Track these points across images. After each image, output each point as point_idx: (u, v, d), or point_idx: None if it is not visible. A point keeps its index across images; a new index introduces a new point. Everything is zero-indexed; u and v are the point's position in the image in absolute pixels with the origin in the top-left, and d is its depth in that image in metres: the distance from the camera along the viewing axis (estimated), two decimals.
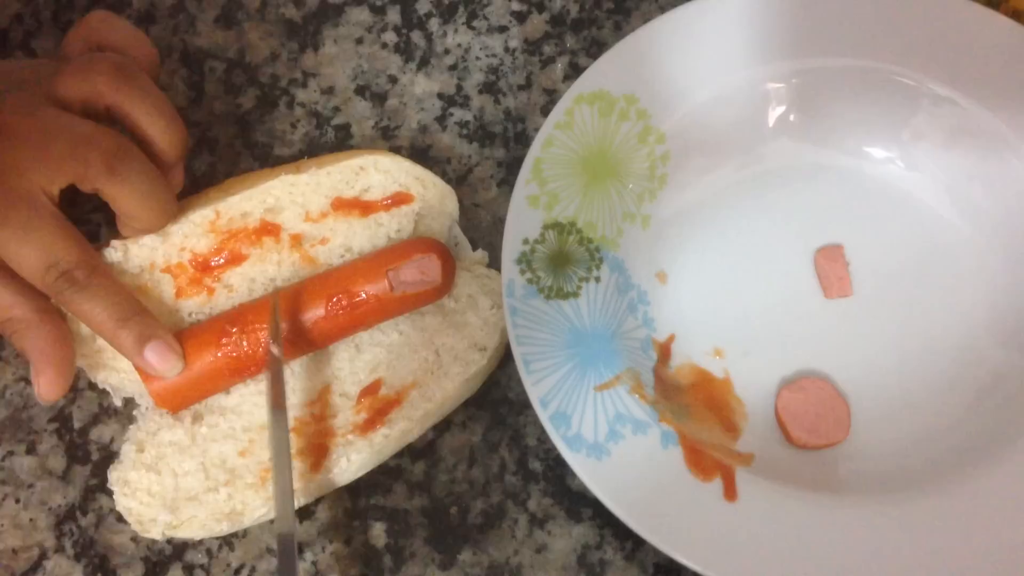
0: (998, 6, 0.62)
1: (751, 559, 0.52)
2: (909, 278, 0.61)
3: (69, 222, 0.56)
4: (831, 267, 0.61)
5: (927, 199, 0.62)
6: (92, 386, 0.63)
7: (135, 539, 0.60)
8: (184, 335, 0.59)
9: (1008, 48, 0.60)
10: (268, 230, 0.60)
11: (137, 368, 0.58)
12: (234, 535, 0.60)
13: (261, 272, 0.61)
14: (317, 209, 0.60)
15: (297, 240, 0.61)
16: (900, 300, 0.60)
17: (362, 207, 0.61)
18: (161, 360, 0.57)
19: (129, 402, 0.62)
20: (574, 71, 0.70)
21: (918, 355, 0.59)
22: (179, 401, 0.59)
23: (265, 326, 0.58)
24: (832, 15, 0.62)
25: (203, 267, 0.60)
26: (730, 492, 0.54)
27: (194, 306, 0.60)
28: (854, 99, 0.61)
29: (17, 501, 0.61)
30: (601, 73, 0.61)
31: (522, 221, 0.59)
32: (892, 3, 0.61)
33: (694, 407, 0.59)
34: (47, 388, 0.57)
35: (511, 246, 0.58)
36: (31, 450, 0.63)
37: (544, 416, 0.55)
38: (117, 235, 0.60)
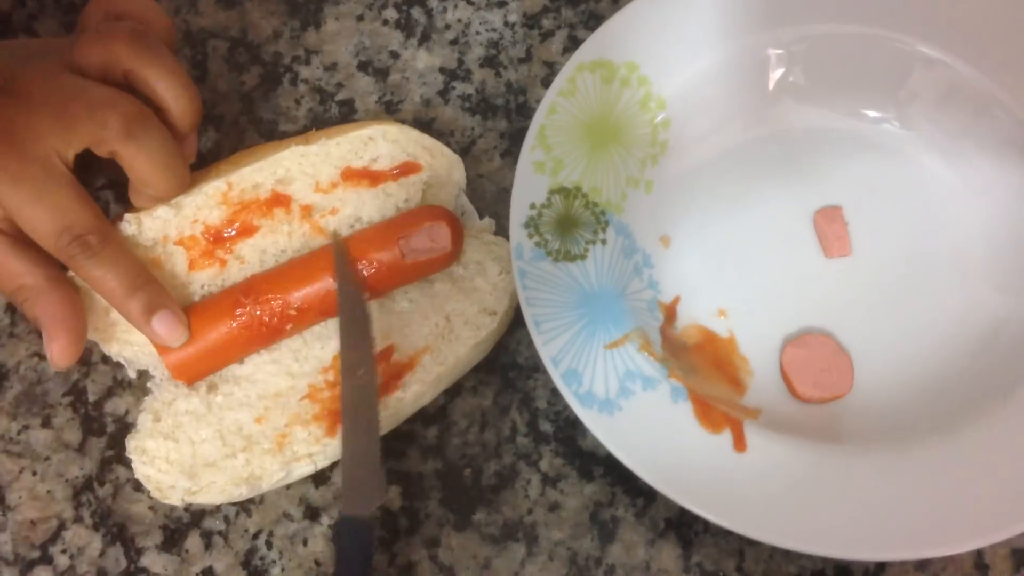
0: None
1: (762, 508, 0.54)
2: (906, 234, 0.62)
3: (83, 188, 0.57)
4: (830, 227, 0.62)
5: (922, 157, 0.63)
6: (106, 359, 0.64)
7: (153, 507, 0.61)
8: (197, 307, 0.60)
9: (996, 9, 0.61)
10: (279, 201, 0.61)
11: (152, 341, 0.59)
12: (251, 501, 0.61)
13: (272, 243, 0.61)
14: (327, 179, 0.61)
15: (307, 211, 0.62)
16: (898, 256, 0.62)
17: (371, 177, 0.62)
18: (168, 330, 0.58)
19: (143, 374, 0.63)
20: (573, 44, 0.71)
21: (918, 308, 0.61)
22: (195, 372, 0.60)
23: (278, 296, 0.59)
24: None
25: (215, 239, 0.61)
26: (740, 443, 0.55)
27: (206, 278, 0.61)
28: (850, 63, 0.63)
29: (34, 474, 0.62)
30: (602, 41, 0.63)
31: (529, 186, 0.60)
32: None
33: (700, 365, 0.60)
34: (59, 354, 0.57)
35: (519, 210, 0.59)
36: (47, 423, 0.63)
37: (556, 374, 0.56)
38: (128, 210, 0.61)
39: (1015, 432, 0.54)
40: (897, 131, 0.64)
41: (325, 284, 0.60)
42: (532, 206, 0.60)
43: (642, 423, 0.55)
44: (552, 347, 0.57)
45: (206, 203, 0.60)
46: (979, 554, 0.58)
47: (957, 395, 0.57)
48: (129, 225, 0.59)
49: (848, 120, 0.64)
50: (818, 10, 0.63)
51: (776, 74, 0.64)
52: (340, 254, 0.59)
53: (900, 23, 0.62)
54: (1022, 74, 0.60)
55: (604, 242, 0.60)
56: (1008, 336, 0.58)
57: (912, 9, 0.62)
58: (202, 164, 0.68)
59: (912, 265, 0.62)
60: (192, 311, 0.59)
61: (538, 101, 0.70)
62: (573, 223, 0.60)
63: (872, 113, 0.64)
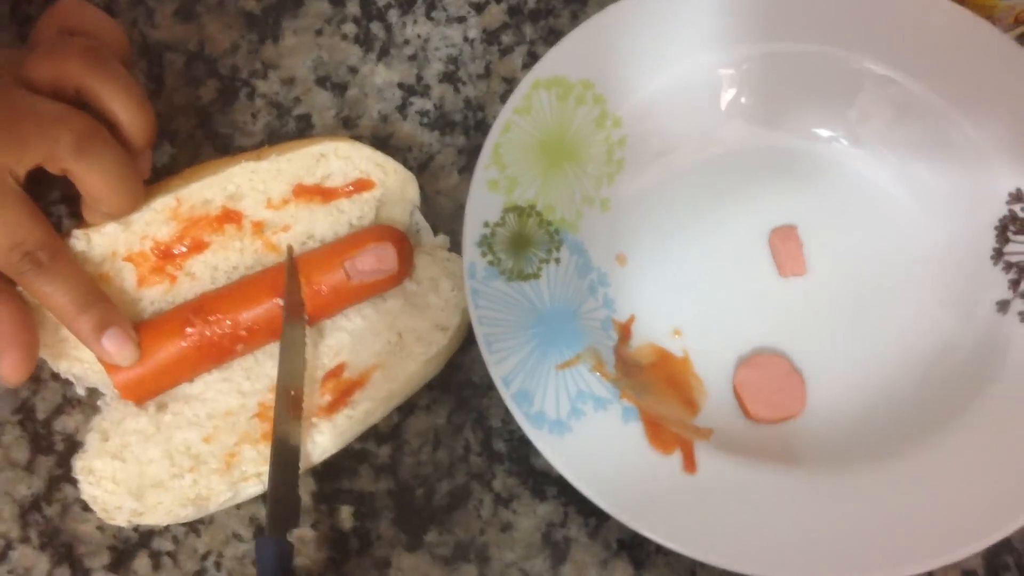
0: None
1: (711, 529, 0.54)
2: (860, 254, 0.62)
3: (34, 204, 0.56)
4: (785, 246, 0.62)
5: (875, 176, 0.63)
6: (55, 377, 0.63)
7: (101, 527, 0.60)
8: (147, 325, 0.59)
9: (948, 29, 0.62)
10: (230, 217, 0.60)
11: (100, 359, 0.58)
12: (200, 521, 0.60)
13: (223, 260, 0.61)
14: (278, 196, 0.61)
15: (259, 227, 0.61)
16: (852, 276, 0.62)
17: (323, 194, 0.62)
18: (118, 348, 0.57)
19: (93, 392, 0.62)
20: (532, 60, 0.71)
21: (871, 329, 0.61)
22: (144, 392, 0.60)
23: (229, 315, 0.59)
24: (784, 2, 0.63)
25: (165, 255, 0.60)
26: (689, 464, 0.55)
27: (156, 294, 0.61)
28: (802, 82, 0.63)
29: None
30: (558, 59, 0.62)
31: (482, 204, 0.60)
32: None
33: (654, 385, 0.60)
34: (11, 371, 0.57)
35: (472, 229, 0.59)
36: None
37: (507, 395, 0.55)
38: (79, 226, 0.60)
39: (963, 454, 0.54)
40: (849, 150, 0.64)
41: (274, 304, 0.59)
42: (486, 224, 0.60)
43: (592, 444, 0.55)
44: (503, 367, 0.56)
45: (155, 219, 0.60)
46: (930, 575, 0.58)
47: (907, 416, 0.57)
48: (78, 241, 0.59)
49: (801, 139, 0.64)
50: (769, 29, 0.63)
51: (729, 93, 0.64)
52: (291, 272, 0.59)
53: (848, 41, 0.62)
54: (972, 91, 0.61)
55: (558, 261, 0.60)
56: (956, 358, 0.58)
57: (860, 27, 0.62)
58: (157, 179, 0.68)
59: (866, 285, 0.62)
60: (141, 329, 0.59)
61: (496, 117, 0.69)
62: (527, 242, 0.60)
63: (824, 132, 0.64)
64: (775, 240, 0.63)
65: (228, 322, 0.59)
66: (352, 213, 0.62)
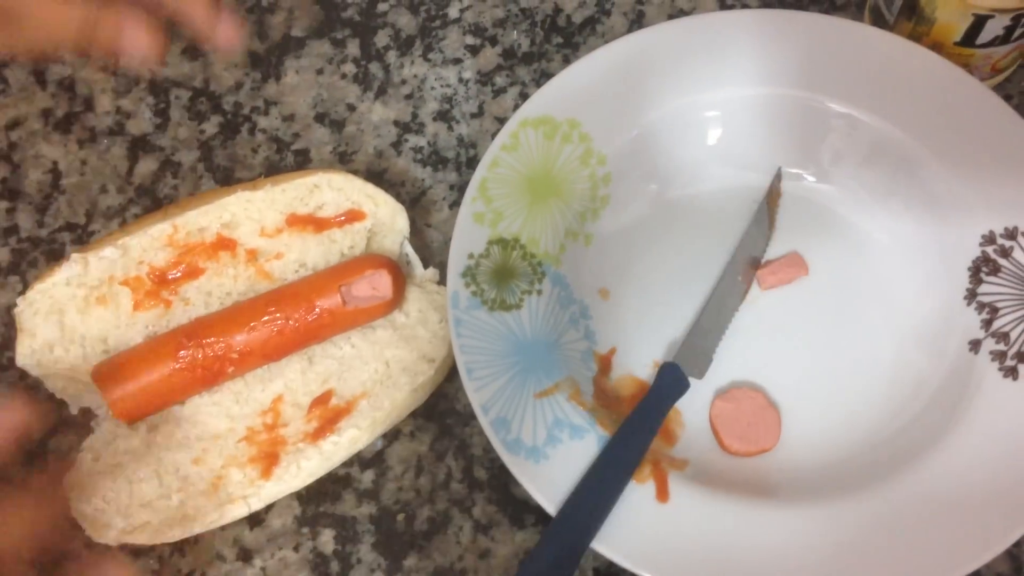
0: (920, 39, 0.66)
1: (683, 559, 0.54)
2: (838, 292, 0.64)
3: None
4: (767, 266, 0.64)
5: (851, 216, 0.65)
6: (51, 397, 0.65)
7: (89, 545, 0.62)
8: (141, 348, 0.61)
9: (925, 76, 0.63)
10: (224, 245, 0.62)
11: (95, 381, 0.60)
12: (185, 542, 0.61)
13: (217, 286, 0.63)
14: (272, 225, 0.63)
15: (253, 255, 0.63)
16: (829, 314, 0.63)
17: (316, 223, 0.64)
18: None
19: (86, 412, 0.64)
20: (524, 101, 0.73)
21: (847, 364, 0.62)
22: (136, 412, 0.61)
23: (221, 339, 0.60)
24: (757, 48, 0.65)
25: (160, 280, 0.62)
26: (662, 494, 0.56)
27: (151, 319, 0.62)
28: (780, 124, 0.65)
29: None
30: (546, 99, 0.65)
31: (468, 236, 0.62)
32: (820, 36, 0.65)
33: None
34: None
35: (457, 260, 0.61)
36: None
37: (485, 421, 0.57)
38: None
39: (934, 489, 0.55)
40: (827, 190, 0.66)
41: (268, 328, 0.61)
42: (470, 256, 0.62)
43: (568, 471, 0.56)
44: (483, 394, 0.58)
45: (152, 245, 0.62)
46: None
47: (880, 451, 0.58)
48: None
49: (781, 180, 0.66)
50: (750, 74, 0.65)
51: (710, 134, 0.66)
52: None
53: (827, 87, 0.64)
54: (948, 136, 0.62)
55: (540, 292, 0.62)
56: (928, 394, 0.59)
57: (839, 73, 0.64)
58: (158, 208, 0.71)
59: (842, 322, 0.63)
60: (135, 352, 0.61)
61: None
62: (510, 273, 0.62)
63: (801, 172, 0.66)
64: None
65: (220, 345, 0.60)
66: (344, 243, 0.64)
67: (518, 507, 0.62)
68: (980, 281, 0.61)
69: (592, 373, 0.62)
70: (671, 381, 0.60)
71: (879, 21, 0.69)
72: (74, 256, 0.61)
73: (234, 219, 0.63)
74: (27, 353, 0.61)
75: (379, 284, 0.62)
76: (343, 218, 0.64)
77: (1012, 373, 0.58)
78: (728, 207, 0.66)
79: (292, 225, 0.63)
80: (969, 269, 0.61)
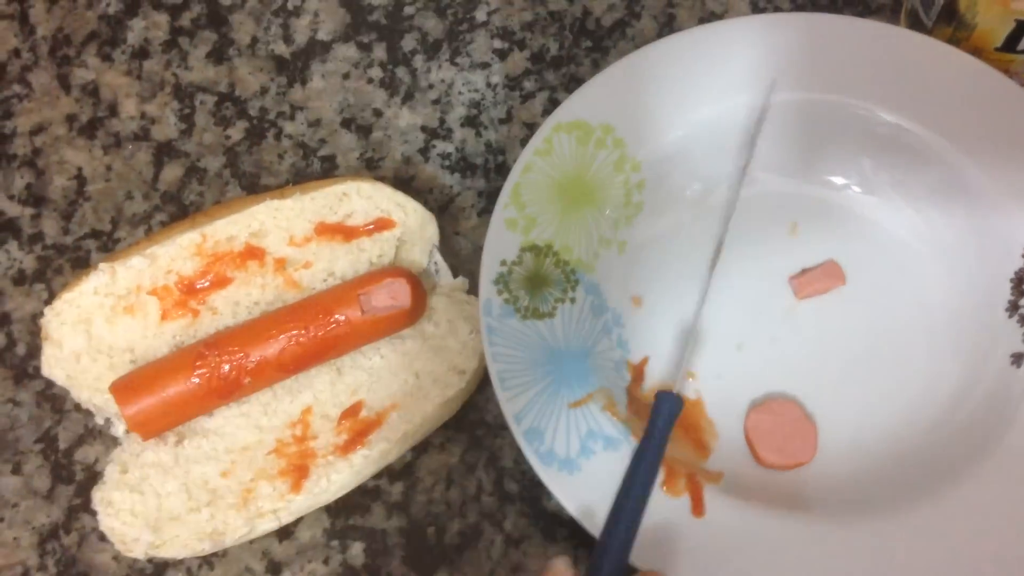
0: (959, 44, 0.65)
1: (719, 573, 0.53)
2: (874, 301, 0.62)
3: None
4: (803, 275, 0.63)
5: (890, 225, 0.64)
6: (78, 407, 0.64)
7: (116, 558, 0.61)
8: (158, 362, 0.60)
9: (964, 81, 0.62)
10: (253, 254, 0.62)
11: (114, 395, 0.59)
12: (214, 555, 0.61)
13: (245, 295, 0.62)
14: (301, 234, 0.62)
15: (281, 264, 0.62)
16: (866, 324, 0.62)
17: (345, 232, 0.63)
18: None
19: (112, 423, 0.63)
20: (553, 105, 0.73)
21: (883, 377, 0.61)
22: (153, 427, 0.60)
23: (241, 350, 0.59)
24: (803, 52, 0.64)
25: (189, 290, 0.61)
26: (698, 508, 0.55)
27: (178, 328, 0.62)
28: (818, 130, 0.64)
29: (1, 520, 0.62)
30: (579, 103, 0.64)
31: (500, 243, 0.61)
32: (856, 40, 0.64)
33: None
34: None
35: (489, 267, 0.60)
36: (16, 470, 0.64)
37: (518, 431, 0.56)
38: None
39: (975, 505, 0.54)
40: (864, 198, 0.64)
41: (293, 338, 0.60)
42: (503, 263, 0.61)
43: (601, 483, 0.55)
44: (516, 404, 0.57)
45: (180, 254, 0.61)
46: None
47: (919, 466, 0.57)
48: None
49: (817, 186, 0.65)
50: (788, 79, 0.64)
51: (747, 140, 0.65)
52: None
53: (865, 91, 0.63)
54: (988, 143, 0.61)
55: (573, 300, 0.61)
56: (968, 409, 0.58)
57: (877, 77, 0.63)
58: (183, 215, 0.70)
59: (879, 333, 0.62)
60: (152, 366, 0.60)
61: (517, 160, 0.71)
62: (543, 281, 0.61)
63: (839, 180, 0.65)
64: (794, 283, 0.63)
65: (237, 357, 0.59)
66: (372, 252, 0.63)
67: (550, 520, 0.61)
68: (1023, 293, 0.59)
69: (625, 383, 0.61)
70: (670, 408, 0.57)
71: (916, 25, 0.67)
72: (102, 265, 0.60)
73: (263, 228, 0.62)
74: (53, 363, 0.61)
75: (398, 293, 0.61)
76: (372, 227, 0.63)
77: None
78: (762, 214, 0.65)
79: (321, 234, 0.63)
80: (1011, 280, 0.60)
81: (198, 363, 0.59)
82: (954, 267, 0.62)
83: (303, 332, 0.60)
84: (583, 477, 0.55)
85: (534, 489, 0.62)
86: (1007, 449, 0.55)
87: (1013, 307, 0.59)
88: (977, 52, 0.64)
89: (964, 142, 0.61)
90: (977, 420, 0.57)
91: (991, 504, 0.54)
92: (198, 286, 0.61)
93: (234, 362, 0.59)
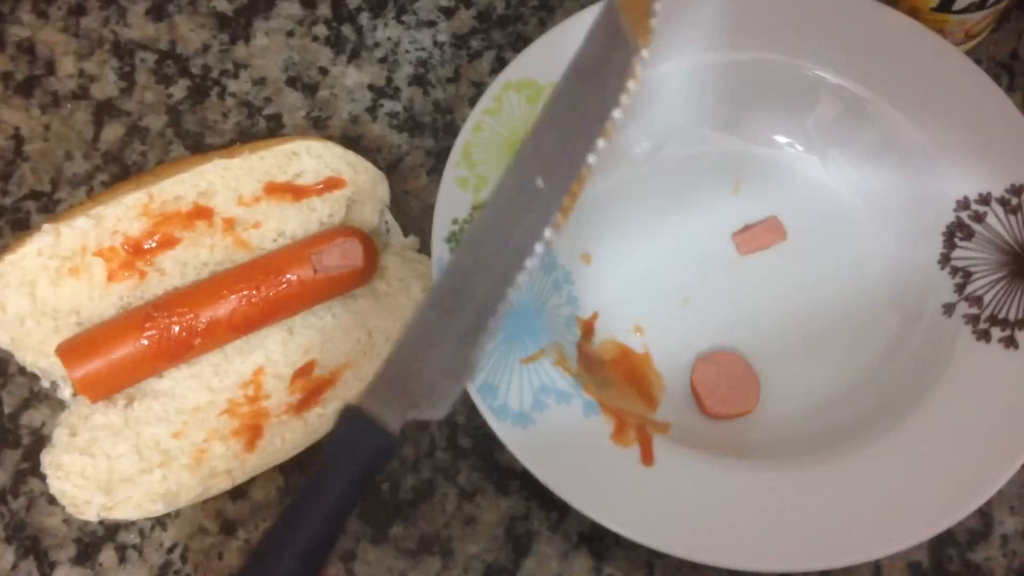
0: (896, 4, 0.66)
1: (668, 520, 0.55)
2: (815, 256, 0.64)
3: None
4: (748, 231, 0.65)
5: (829, 181, 0.66)
6: (22, 371, 0.63)
7: (67, 521, 0.61)
8: (106, 324, 0.59)
9: (902, 41, 0.64)
10: (201, 214, 0.61)
11: (60, 357, 0.58)
12: (167, 515, 0.61)
13: (194, 256, 0.62)
14: (250, 193, 0.62)
15: (230, 224, 0.62)
16: (806, 277, 0.64)
17: (295, 192, 0.63)
18: None
19: (58, 386, 0.62)
20: (500, 64, 0.73)
21: (825, 328, 0.63)
22: (102, 389, 0.59)
23: (189, 311, 0.59)
24: (743, 12, 0.65)
25: (136, 250, 0.61)
26: (647, 457, 0.57)
27: (125, 290, 0.61)
28: (762, 90, 0.65)
29: None
30: (528, 62, 0.64)
31: (452, 202, 0.61)
32: (799, 0, 0.65)
33: (615, 380, 0.62)
34: None
35: (441, 225, 0.60)
36: None
37: (471, 387, 0.57)
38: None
39: (910, 449, 0.56)
40: (806, 156, 0.66)
41: (243, 298, 0.60)
42: (455, 221, 0.61)
43: (554, 436, 0.56)
44: None
45: (127, 214, 0.60)
46: (877, 566, 0.60)
47: (857, 413, 0.59)
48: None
49: (760, 145, 0.67)
50: (731, 39, 0.65)
51: (692, 99, 0.66)
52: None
53: (807, 51, 0.64)
54: (924, 102, 0.63)
55: None
56: (904, 357, 0.61)
57: (818, 38, 0.64)
58: (126, 175, 0.69)
59: (820, 286, 0.64)
60: (100, 328, 0.59)
61: (464, 120, 0.71)
62: None
63: (781, 138, 0.66)
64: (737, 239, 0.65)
65: (187, 318, 0.59)
66: (323, 211, 0.63)
67: (503, 474, 0.62)
68: (954, 246, 0.62)
69: (576, 338, 0.62)
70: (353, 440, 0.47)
71: None
72: (46, 226, 0.59)
73: (211, 187, 0.61)
74: None
75: (350, 252, 0.61)
76: (322, 186, 0.63)
77: (985, 336, 0.59)
78: (707, 171, 0.67)
79: (270, 193, 0.62)
80: (943, 234, 0.62)
81: (147, 324, 0.59)
82: (890, 222, 0.64)
83: (254, 292, 0.60)
84: (536, 430, 0.56)
85: (487, 444, 0.63)
86: (939, 394, 0.58)
87: (945, 259, 0.62)
88: (914, 12, 0.66)
89: (900, 101, 0.63)
90: (912, 368, 0.60)
91: (926, 448, 0.57)
92: (145, 247, 0.61)
93: (184, 323, 0.59)
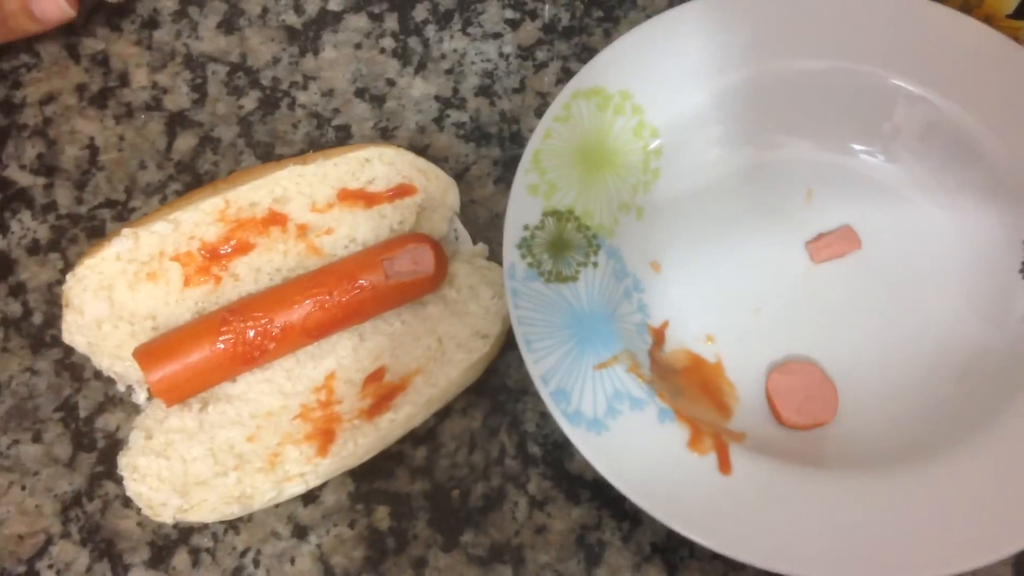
0: (971, 11, 0.66)
1: (744, 529, 0.54)
2: (890, 265, 0.63)
3: None
4: (822, 239, 0.64)
5: (906, 189, 0.65)
6: (98, 375, 0.64)
7: (141, 524, 0.61)
8: (183, 328, 0.60)
9: (979, 49, 0.63)
10: (275, 220, 0.62)
11: (137, 361, 0.59)
12: (239, 519, 0.61)
13: (268, 261, 0.62)
14: (323, 200, 0.62)
15: (303, 230, 0.62)
16: (883, 287, 0.63)
17: (366, 198, 0.63)
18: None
19: (134, 389, 0.63)
20: (565, 75, 0.73)
21: (903, 337, 0.62)
22: (177, 393, 0.60)
23: (265, 316, 0.59)
24: (817, 20, 0.65)
25: (212, 255, 0.61)
26: (725, 466, 0.56)
27: (201, 295, 0.62)
28: (839, 98, 0.65)
29: (23, 488, 0.62)
30: (598, 70, 0.64)
31: (523, 208, 0.61)
32: (873, 8, 0.65)
33: (688, 388, 0.61)
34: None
35: (512, 231, 0.60)
36: (37, 438, 0.63)
37: (545, 392, 0.56)
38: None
39: (992, 460, 0.55)
40: (883, 164, 0.65)
41: (316, 304, 0.60)
42: (525, 227, 0.61)
43: (629, 443, 0.56)
44: (542, 366, 0.57)
45: (204, 220, 0.61)
46: None
47: (938, 423, 0.58)
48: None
49: (836, 153, 0.66)
50: (806, 46, 0.64)
51: (767, 106, 0.65)
52: None
53: (886, 60, 0.64)
54: (1001, 110, 0.62)
55: (595, 265, 0.61)
56: (988, 365, 0.59)
57: (897, 47, 0.64)
58: (198, 185, 0.70)
59: (896, 294, 0.63)
60: (177, 332, 0.60)
61: (531, 130, 0.71)
62: (565, 245, 0.61)
63: (859, 147, 0.66)
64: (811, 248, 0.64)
65: (262, 323, 0.60)
66: (393, 218, 0.64)
67: (573, 482, 0.62)
68: None
69: (647, 346, 0.62)
70: None
71: None
72: (125, 231, 0.60)
73: (285, 194, 0.62)
74: (74, 330, 0.61)
75: (421, 259, 0.62)
76: (393, 193, 0.63)
77: None
78: (780, 179, 0.66)
79: (343, 200, 0.63)
80: (1023, 243, 0.61)
81: (223, 329, 0.59)
82: (969, 230, 0.63)
83: (327, 297, 0.60)
84: (611, 437, 0.56)
85: (556, 452, 0.62)
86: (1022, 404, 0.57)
87: None
88: (989, 19, 0.65)
89: (978, 109, 0.63)
90: (995, 376, 0.58)
91: (1009, 458, 0.55)
92: (221, 252, 0.61)
93: (259, 328, 0.59)
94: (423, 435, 0.63)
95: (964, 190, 0.63)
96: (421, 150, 0.71)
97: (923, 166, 0.65)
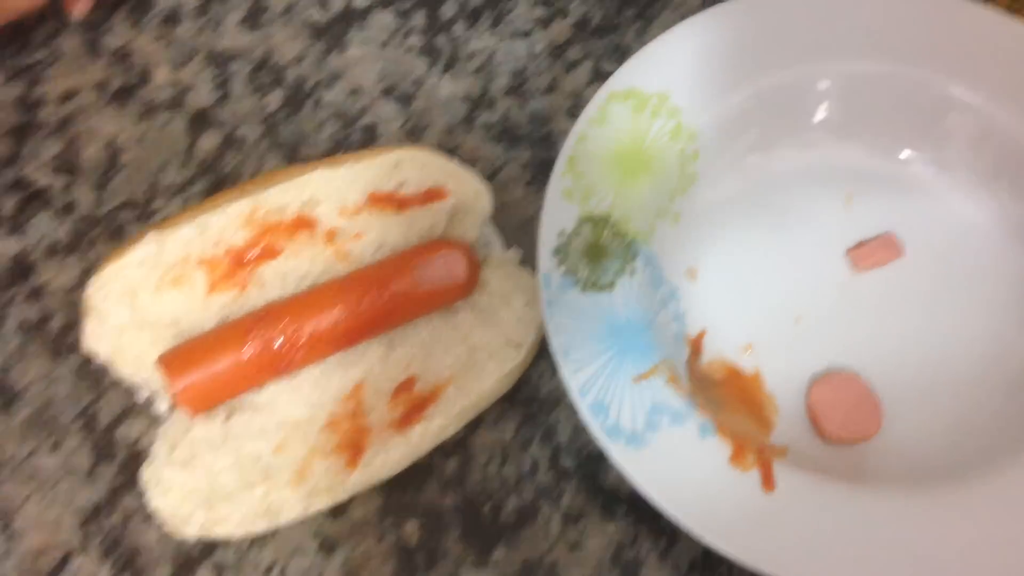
0: (1018, 12, 0.64)
1: (790, 548, 0.52)
2: (938, 276, 0.61)
3: None
4: (866, 246, 0.62)
5: (954, 198, 0.63)
6: (116, 384, 0.63)
7: (163, 538, 0.59)
8: (207, 336, 0.58)
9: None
10: (304, 224, 0.60)
11: (160, 367, 0.57)
12: (264, 534, 0.59)
13: (295, 267, 0.60)
14: (353, 204, 0.60)
15: (332, 235, 0.60)
16: (927, 296, 0.61)
17: (397, 202, 0.61)
18: None
19: (156, 399, 0.61)
20: (597, 75, 0.71)
21: (948, 351, 0.60)
22: (201, 402, 0.58)
23: (291, 325, 0.58)
24: (859, 22, 0.63)
25: (238, 261, 0.59)
26: (768, 482, 0.54)
27: (226, 301, 0.60)
28: (886, 102, 0.63)
29: (42, 500, 0.60)
30: (634, 71, 0.62)
31: (558, 214, 0.59)
32: (921, 11, 0.63)
33: (727, 401, 0.59)
34: None
35: (548, 238, 0.59)
36: (56, 448, 0.62)
37: (583, 405, 0.55)
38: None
39: None
40: (931, 172, 0.63)
41: (345, 311, 0.58)
42: (561, 234, 0.59)
43: (669, 459, 0.54)
44: (579, 377, 0.55)
45: (231, 224, 0.59)
46: None
47: (986, 439, 0.56)
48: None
49: (880, 159, 0.64)
50: (852, 48, 0.63)
51: (808, 109, 0.64)
52: None
53: (936, 65, 0.62)
54: None
55: (633, 273, 0.59)
56: None
57: (948, 52, 0.62)
58: (221, 185, 0.68)
59: (941, 305, 0.61)
60: (201, 340, 0.58)
61: (562, 131, 0.69)
62: (602, 252, 0.59)
63: (906, 152, 0.64)
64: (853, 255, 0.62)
65: (289, 332, 0.58)
66: (424, 223, 0.62)
67: (608, 497, 0.60)
68: None
69: (684, 357, 0.60)
70: None
71: None
72: (150, 235, 0.58)
73: (314, 197, 0.60)
74: (95, 337, 0.59)
75: (453, 265, 0.60)
76: (424, 197, 0.61)
77: None
78: (820, 185, 0.64)
79: (373, 204, 0.61)
80: None
81: (249, 336, 0.57)
82: (1018, 242, 0.61)
83: (357, 304, 0.58)
84: (650, 452, 0.54)
85: (590, 465, 0.61)
86: None
87: None
88: None
89: None
90: None
91: None
92: (247, 257, 0.59)
93: (287, 336, 0.57)
94: (454, 446, 0.61)
95: (1013, 198, 0.61)
96: (450, 151, 0.69)
97: (972, 175, 0.63)
